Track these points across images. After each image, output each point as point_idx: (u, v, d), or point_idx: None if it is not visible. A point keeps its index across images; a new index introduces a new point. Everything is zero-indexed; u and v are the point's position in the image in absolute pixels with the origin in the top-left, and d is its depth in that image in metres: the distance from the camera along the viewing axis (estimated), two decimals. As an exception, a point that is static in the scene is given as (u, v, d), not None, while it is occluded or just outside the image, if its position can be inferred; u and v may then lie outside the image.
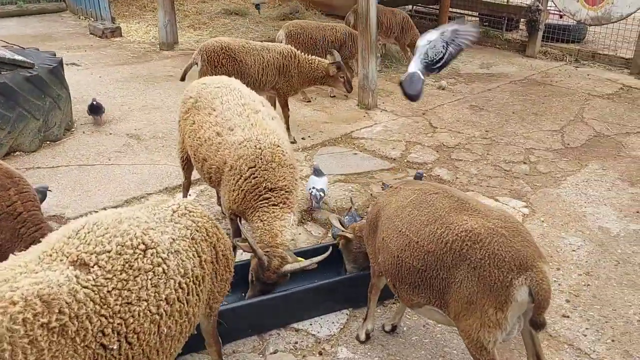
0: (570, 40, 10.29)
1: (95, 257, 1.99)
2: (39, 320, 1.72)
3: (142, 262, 2.08)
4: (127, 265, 2.04)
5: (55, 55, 6.14)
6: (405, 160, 5.80)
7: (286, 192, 3.50)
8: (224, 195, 3.63)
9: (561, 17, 10.25)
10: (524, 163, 5.78)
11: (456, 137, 6.42)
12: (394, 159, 5.83)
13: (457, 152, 6.03)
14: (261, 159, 3.47)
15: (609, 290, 3.81)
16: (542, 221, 4.67)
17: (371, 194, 5.04)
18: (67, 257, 1.96)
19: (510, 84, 8.41)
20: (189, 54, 9.48)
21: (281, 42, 7.09)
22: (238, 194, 3.47)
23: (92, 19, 11.79)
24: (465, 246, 2.49)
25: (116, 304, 1.95)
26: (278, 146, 3.56)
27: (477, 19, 11.58)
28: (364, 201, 4.92)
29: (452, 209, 2.67)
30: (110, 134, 6.17)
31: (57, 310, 1.77)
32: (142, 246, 2.12)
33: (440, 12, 11.24)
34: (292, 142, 5.75)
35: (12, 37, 10.25)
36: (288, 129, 5.82)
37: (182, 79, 6.04)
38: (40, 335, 1.71)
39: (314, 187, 4.67)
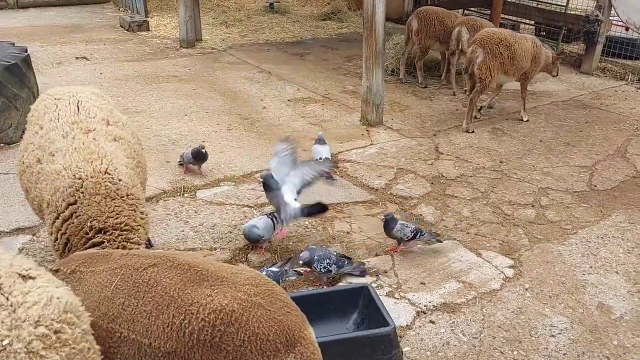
0: (638, 56, 8.93)
1: None
2: None
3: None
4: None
5: (26, 50, 5.76)
6: (388, 193, 4.97)
7: (125, 231, 2.74)
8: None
9: (627, 29, 8.90)
10: (532, 206, 4.79)
11: (461, 166, 5.49)
12: (376, 190, 5.01)
13: (455, 186, 5.12)
14: (82, 192, 2.71)
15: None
16: (526, 289, 3.73)
17: (330, 234, 4.28)
18: None
19: (549, 105, 7.30)
20: (208, 52, 9.06)
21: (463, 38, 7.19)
22: (59, 240, 2.73)
23: (130, 11, 11.60)
24: (218, 333, 1.82)
25: None
26: (106, 173, 2.80)
27: (533, 27, 10.38)
28: (315, 243, 4.16)
29: (186, 283, 1.92)
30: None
31: None
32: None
33: (492, 18, 10.12)
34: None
35: (43, 27, 10.24)
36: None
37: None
38: None
39: (320, 158, 4.90)
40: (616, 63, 8.77)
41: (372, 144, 5.88)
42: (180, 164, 5.13)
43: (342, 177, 5.23)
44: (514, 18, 10.33)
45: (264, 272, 3.38)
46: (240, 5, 12.57)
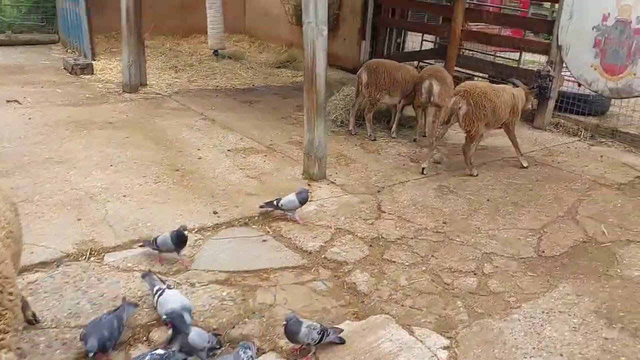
0: (590, 112, 8.88)
1: None
2: None
3: None
4: None
5: None
6: (322, 257, 4.54)
7: None
8: None
9: (579, 85, 8.86)
10: (474, 274, 4.43)
11: (402, 227, 5.12)
12: (309, 253, 4.58)
13: (394, 249, 4.73)
14: None
15: None
16: (461, 376, 3.31)
17: (250, 307, 3.81)
18: None
19: (500, 162, 7.06)
20: (151, 98, 8.68)
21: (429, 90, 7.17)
22: None
23: (77, 53, 11.19)
24: None
25: None
26: None
27: (487, 80, 10.31)
28: (230, 318, 3.68)
29: None
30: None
31: None
32: None
33: (447, 70, 10.06)
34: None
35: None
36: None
37: None
38: None
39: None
40: (569, 119, 8.68)
41: (311, 201, 5.48)
42: (156, 250, 4.21)
43: (274, 237, 4.80)
44: (467, 71, 10.27)
45: (148, 357, 2.89)
46: (194, 49, 12.31)
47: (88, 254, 4.23)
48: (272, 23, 14.19)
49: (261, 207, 5.09)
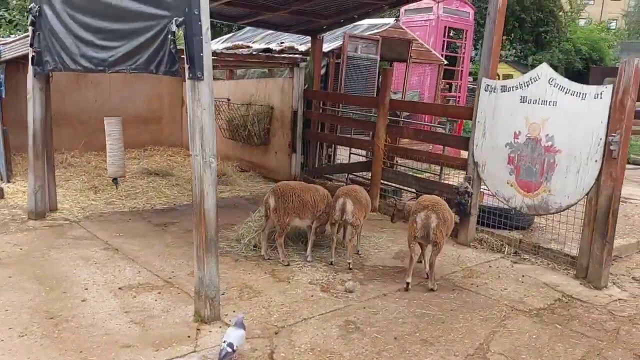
0: (516, 226, 8.75)
1: None
2: None
3: None
4: None
5: None
6: None
7: None
8: None
9: (501, 199, 8.79)
10: None
11: (292, 381, 4.59)
12: None
13: (276, 412, 4.17)
14: None
15: None
16: None
17: None
18: None
19: (417, 287, 6.69)
20: (57, 225, 8.18)
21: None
22: None
23: (-6, 175, 10.73)
24: None
25: None
26: None
27: (414, 193, 10.22)
28: None
29: None
30: None
31: None
32: None
33: (372, 183, 9.96)
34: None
35: None
36: None
37: None
38: None
39: (225, 341, 4.61)
40: (493, 234, 8.49)
41: (194, 351, 4.93)
42: None
43: (139, 403, 4.19)
44: (392, 185, 10.19)
45: None
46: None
47: None
48: (207, 136, 14.11)
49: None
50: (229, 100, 12.66)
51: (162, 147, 14.62)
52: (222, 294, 6.13)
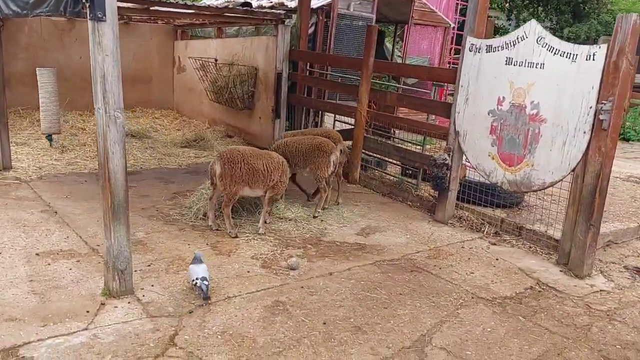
0: (503, 204, 7.92)
1: None
2: None
3: None
4: None
5: None
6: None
7: None
8: None
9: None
10: None
11: (187, 369, 3.99)
12: (26, 415, 3.42)
13: (151, 406, 3.58)
14: None
15: None
16: None
17: None
18: None
19: (370, 266, 6.00)
20: (5, 185, 7.69)
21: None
22: None
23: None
24: None
25: None
26: None
27: (400, 166, 9.43)
28: None
29: None
30: None
31: None
32: None
33: (353, 154, 9.21)
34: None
35: None
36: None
37: None
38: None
39: (196, 278, 4.86)
40: (474, 212, 7.69)
41: (86, 329, 4.36)
42: None
43: (-3, 388, 3.65)
44: (375, 155, 9.41)
45: None
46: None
47: None
48: (196, 99, 13.54)
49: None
50: (216, 60, 11.97)
51: (152, 108, 14.05)
52: (149, 266, 5.58)
